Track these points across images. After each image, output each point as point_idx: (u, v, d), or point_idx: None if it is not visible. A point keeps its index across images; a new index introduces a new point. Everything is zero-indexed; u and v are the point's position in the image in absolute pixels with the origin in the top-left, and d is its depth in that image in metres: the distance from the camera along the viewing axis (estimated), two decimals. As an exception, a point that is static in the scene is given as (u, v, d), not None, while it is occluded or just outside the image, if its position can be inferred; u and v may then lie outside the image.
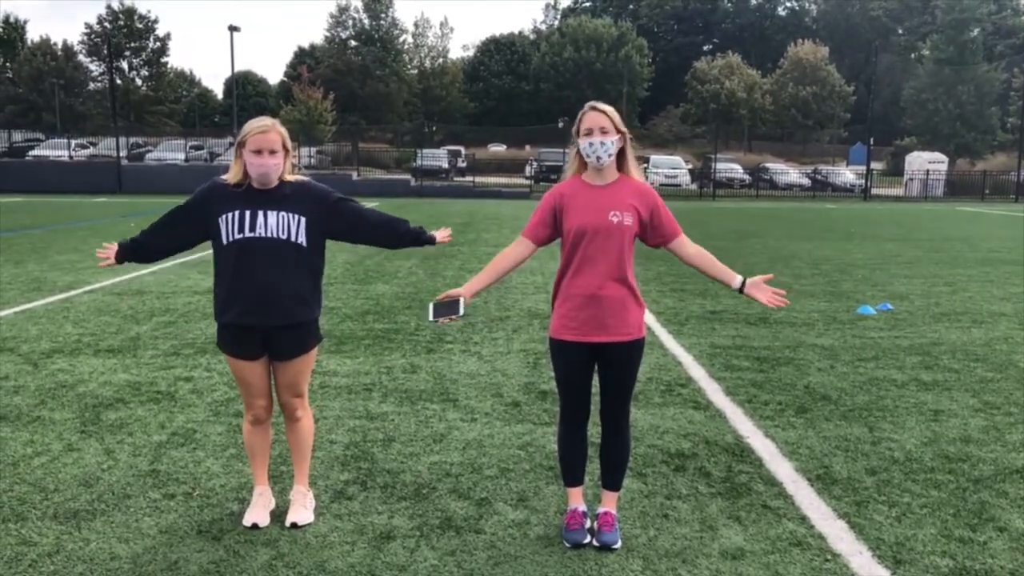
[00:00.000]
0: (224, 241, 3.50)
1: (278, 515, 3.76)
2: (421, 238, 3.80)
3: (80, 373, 6.15)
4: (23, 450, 4.57)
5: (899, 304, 9.38)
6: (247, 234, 3.47)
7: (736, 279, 3.60)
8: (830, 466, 4.44)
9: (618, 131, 3.43)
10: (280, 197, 3.52)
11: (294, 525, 3.65)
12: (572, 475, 3.71)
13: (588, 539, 3.56)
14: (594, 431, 4.94)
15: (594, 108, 3.45)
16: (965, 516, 3.84)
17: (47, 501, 3.91)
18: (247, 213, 3.48)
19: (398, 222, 3.78)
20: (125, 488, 4.07)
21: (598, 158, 3.42)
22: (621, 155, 3.50)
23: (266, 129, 3.45)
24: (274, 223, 3.49)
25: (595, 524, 3.64)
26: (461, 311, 3.48)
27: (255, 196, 3.50)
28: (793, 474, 4.34)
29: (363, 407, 5.40)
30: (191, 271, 11.23)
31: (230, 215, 3.48)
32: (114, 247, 3.79)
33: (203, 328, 7.77)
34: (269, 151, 3.44)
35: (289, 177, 3.57)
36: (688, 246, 3.64)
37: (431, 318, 3.49)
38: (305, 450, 3.85)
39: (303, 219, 3.53)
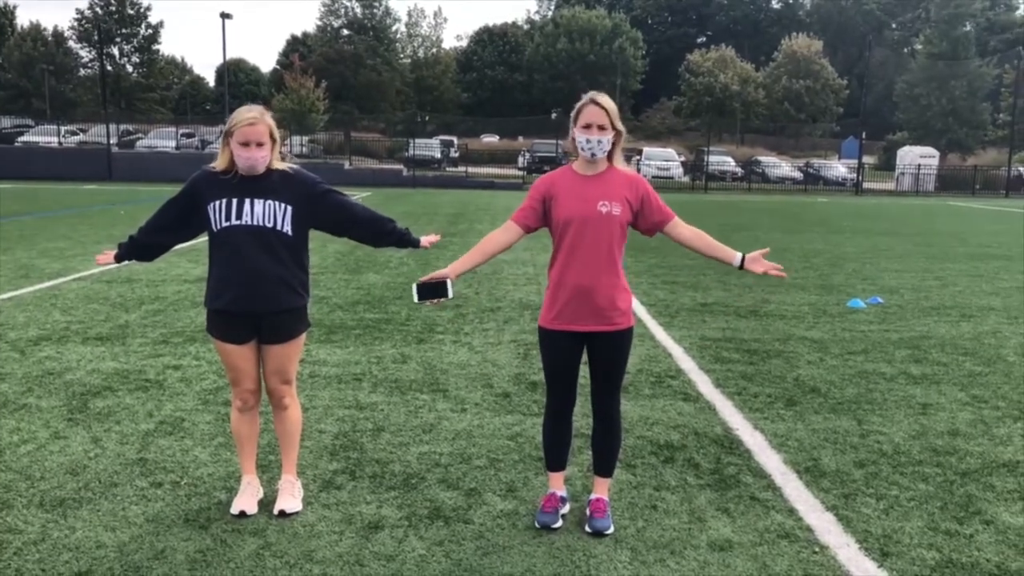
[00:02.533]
0: (213, 228, 3.51)
1: (266, 504, 3.74)
2: (405, 239, 3.75)
3: (68, 361, 6.11)
4: (9, 437, 4.54)
5: (889, 298, 9.41)
6: (234, 221, 3.47)
7: (736, 257, 3.61)
8: (819, 458, 4.46)
9: (614, 128, 3.43)
10: (267, 185, 3.51)
11: (282, 513, 3.64)
12: (554, 460, 3.75)
13: (559, 523, 3.61)
14: (583, 422, 4.95)
15: (595, 102, 3.43)
16: (952, 509, 3.86)
17: (33, 489, 3.89)
18: (234, 201, 3.47)
19: (384, 221, 3.75)
20: (112, 476, 4.05)
21: (592, 154, 3.45)
22: (611, 148, 3.52)
23: (254, 122, 3.41)
24: (260, 211, 3.48)
25: (587, 511, 3.66)
26: (450, 294, 3.46)
27: (243, 184, 3.49)
28: (782, 466, 4.35)
29: (353, 397, 5.39)
30: (181, 259, 11.17)
31: (218, 203, 3.48)
32: (112, 252, 3.74)
33: (192, 316, 7.73)
34: (256, 143, 3.42)
35: (277, 165, 3.55)
36: (682, 228, 3.63)
37: (416, 301, 3.46)
38: (293, 439, 3.84)
39: (289, 207, 3.52)
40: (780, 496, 3.98)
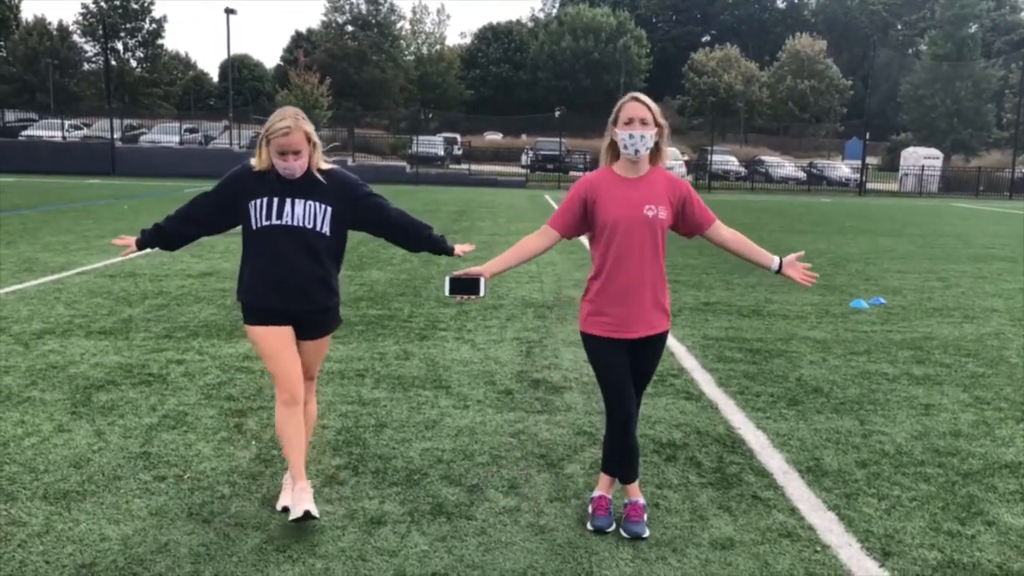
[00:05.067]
0: (253, 226, 3.49)
1: (269, 499, 3.76)
2: (440, 246, 3.74)
3: (71, 354, 6.13)
4: (13, 430, 4.55)
5: (892, 298, 9.40)
6: (274, 221, 3.46)
7: (774, 261, 3.60)
8: (821, 458, 4.46)
9: (657, 124, 3.38)
10: (309, 186, 3.49)
11: (307, 515, 3.51)
12: (620, 472, 3.65)
13: (613, 527, 3.56)
14: (586, 420, 4.95)
15: (635, 99, 3.38)
16: (954, 510, 3.86)
17: (37, 481, 3.90)
18: (275, 200, 3.46)
19: (421, 227, 3.73)
20: (116, 470, 4.06)
21: (636, 151, 3.37)
22: (655, 147, 3.43)
23: (289, 131, 3.36)
24: (301, 211, 3.47)
25: (623, 514, 3.60)
26: (482, 292, 3.44)
27: (284, 183, 3.48)
28: (784, 465, 4.35)
29: (355, 393, 5.39)
30: (184, 254, 11.18)
31: (259, 201, 3.47)
32: (131, 238, 3.71)
33: (196, 311, 7.74)
34: (293, 153, 3.40)
35: (321, 165, 3.53)
36: (723, 231, 3.62)
37: (447, 293, 3.45)
38: (307, 436, 3.81)
39: (329, 209, 3.51)
40: (782, 495, 3.98)
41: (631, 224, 3.37)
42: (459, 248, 3.78)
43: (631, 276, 3.40)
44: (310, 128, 3.46)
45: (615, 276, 3.41)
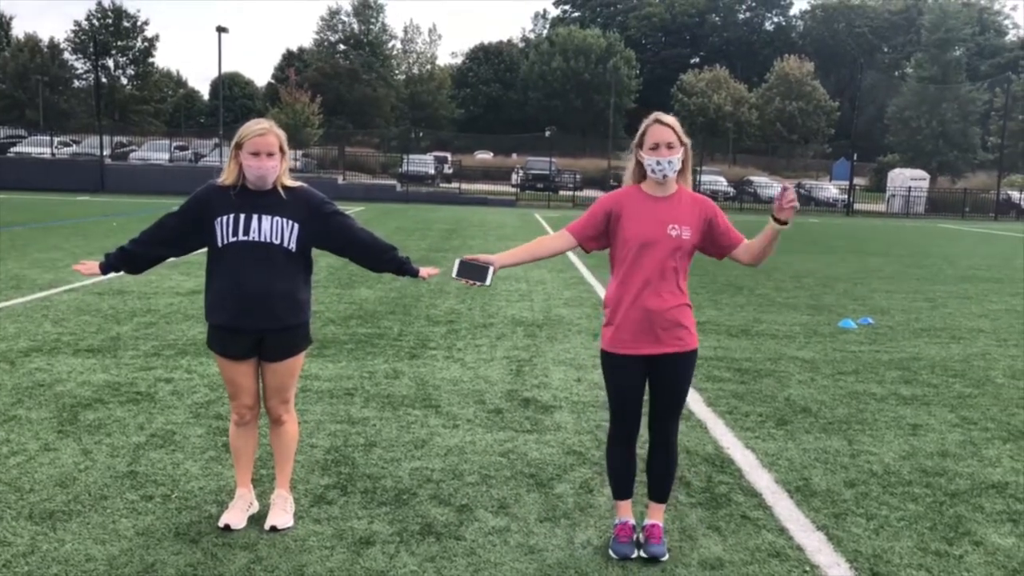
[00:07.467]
0: (219, 244, 3.51)
1: (257, 518, 3.73)
2: (403, 268, 3.75)
3: (58, 372, 6.09)
4: (-1, 449, 4.51)
5: (880, 318, 9.45)
6: (241, 237, 3.48)
7: (770, 224, 3.59)
8: (809, 478, 4.47)
9: (681, 143, 3.40)
10: (276, 202, 3.53)
11: (273, 528, 3.63)
12: (623, 489, 3.65)
13: (636, 553, 3.51)
14: (576, 439, 4.95)
15: (660, 122, 3.38)
16: (941, 530, 3.88)
17: (22, 501, 3.87)
18: (242, 216, 3.49)
19: (385, 248, 3.76)
20: (102, 489, 4.03)
21: (664, 175, 3.39)
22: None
23: (264, 132, 3.46)
24: (268, 227, 3.50)
25: (642, 536, 3.57)
26: (488, 281, 3.45)
27: (251, 200, 3.51)
28: (773, 485, 4.36)
29: (345, 411, 5.38)
30: (173, 272, 11.15)
31: (225, 218, 3.49)
32: (93, 262, 3.72)
33: (184, 329, 7.71)
34: (267, 153, 3.46)
35: (287, 182, 3.57)
36: (742, 250, 3.62)
37: (455, 275, 3.47)
38: (289, 454, 3.84)
39: (296, 225, 3.54)
40: (771, 515, 3.99)
41: (654, 243, 3.38)
42: (424, 271, 3.79)
43: (650, 294, 3.39)
44: (283, 137, 3.55)
45: (634, 293, 3.40)
